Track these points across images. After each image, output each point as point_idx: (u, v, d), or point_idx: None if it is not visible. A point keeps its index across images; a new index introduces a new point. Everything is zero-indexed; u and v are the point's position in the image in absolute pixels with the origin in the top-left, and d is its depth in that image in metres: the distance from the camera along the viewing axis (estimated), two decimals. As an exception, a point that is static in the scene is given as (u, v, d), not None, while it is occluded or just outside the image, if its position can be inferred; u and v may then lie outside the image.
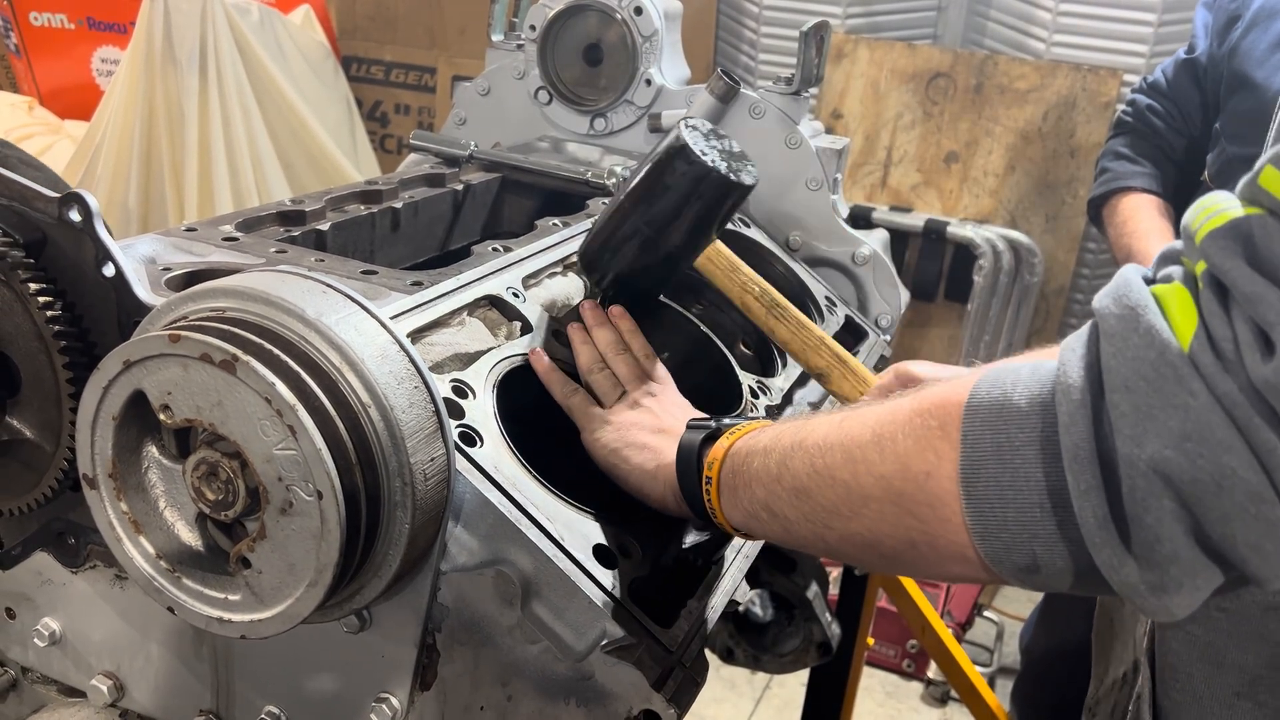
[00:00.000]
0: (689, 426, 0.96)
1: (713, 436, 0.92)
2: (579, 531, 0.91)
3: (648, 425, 1.01)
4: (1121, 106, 2.13)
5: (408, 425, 0.79)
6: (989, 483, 0.63)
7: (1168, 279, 0.62)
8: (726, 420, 0.94)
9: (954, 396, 0.67)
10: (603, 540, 0.92)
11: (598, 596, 0.86)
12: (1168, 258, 0.64)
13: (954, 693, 3.20)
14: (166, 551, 0.82)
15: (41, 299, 0.87)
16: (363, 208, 1.35)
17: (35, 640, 1.06)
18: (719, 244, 1.18)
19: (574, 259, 1.27)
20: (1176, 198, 1.97)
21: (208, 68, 3.30)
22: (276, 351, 0.75)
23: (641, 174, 1.10)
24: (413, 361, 0.81)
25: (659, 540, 0.98)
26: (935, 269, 3.42)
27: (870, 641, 2.10)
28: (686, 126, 1.09)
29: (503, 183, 1.64)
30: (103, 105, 3.48)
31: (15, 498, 0.95)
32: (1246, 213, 0.58)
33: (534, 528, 0.87)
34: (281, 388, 0.73)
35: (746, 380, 1.26)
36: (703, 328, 1.28)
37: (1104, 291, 0.63)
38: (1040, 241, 3.36)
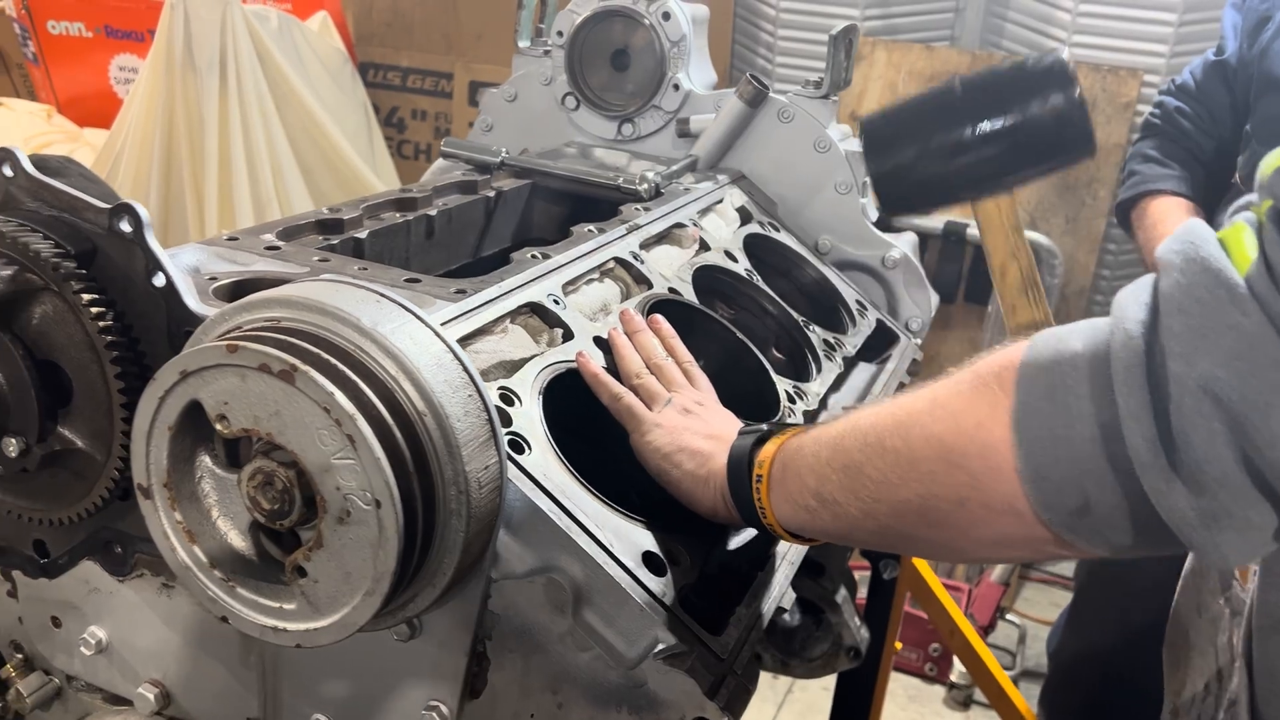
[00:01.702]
0: (740, 433, 0.97)
1: (763, 439, 0.93)
2: (628, 539, 0.91)
3: (698, 430, 1.00)
4: (1148, 108, 2.12)
5: (463, 433, 0.79)
6: (1041, 424, 0.64)
7: (1235, 212, 0.63)
8: (779, 424, 0.96)
9: (1012, 355, 0.68)
10: (651, 547, 0.92)
11: (648, 604, 0.86)
12: (1238, 208, 0.65)
13: (977, 696, 3.19)
14: (220, 561, 0.82)
15: (94, 309, 0.88)
16: (398, 215, 1.35)
17: (82, 648, 1.06)
18: (1013, 197, 1.03)
19: (611, 265, 1.27)
20: (1206, 200, 1.96)
21: (228, 75, 3.31)
22: (334, 361, 0.75)
23: (1002, 81, 0.95)
24: (466, 370, 0.81)
25: (706, 547, 0.98)
26: (955, 271, 3.42)
27: (898, 645, 2.09)
28: (1071, 61, 0.96)
29: (533, 189, 1.64)
30: (123, 113, 3.50)
31: (66, 507, 0.96)
32: None
33: (584, 535, 0.87)
34: (340, 397, 0.73)
35: (783, 386, 1.26)
36: (739, 334, 1.28)
37: (1164, 241, 0.64)
38: (1060, 243, 3.35)
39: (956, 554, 0.84)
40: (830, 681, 2.20)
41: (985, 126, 0.95)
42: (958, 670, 3.17)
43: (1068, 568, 3.66)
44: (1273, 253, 0.57)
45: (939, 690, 3.24)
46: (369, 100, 3.90)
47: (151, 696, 1.05)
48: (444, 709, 0.92)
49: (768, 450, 0.90)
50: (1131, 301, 0.62)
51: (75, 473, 0.94)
